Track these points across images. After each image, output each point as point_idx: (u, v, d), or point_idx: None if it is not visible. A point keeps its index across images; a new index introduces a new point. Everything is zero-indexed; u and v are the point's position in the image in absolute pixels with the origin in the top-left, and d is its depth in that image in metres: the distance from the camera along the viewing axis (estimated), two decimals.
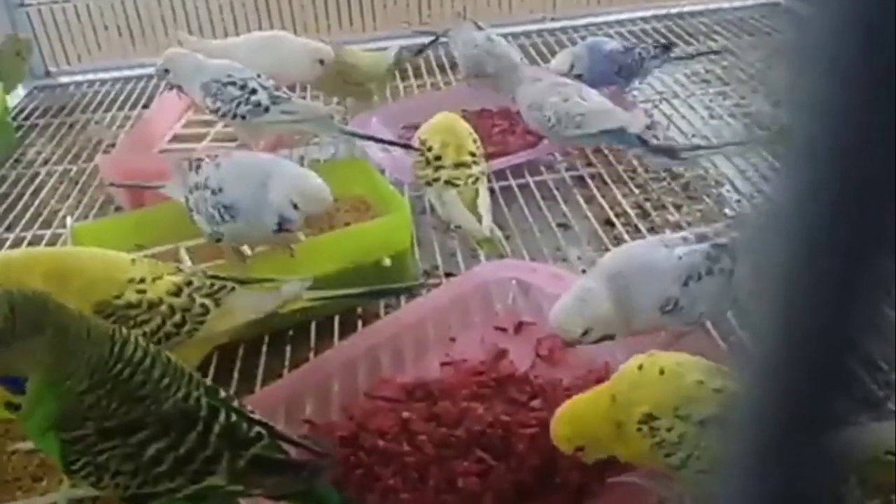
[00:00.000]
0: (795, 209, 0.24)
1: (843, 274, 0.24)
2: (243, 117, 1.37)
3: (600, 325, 0.89)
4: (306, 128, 1.42)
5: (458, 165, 1.25)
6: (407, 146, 1.36)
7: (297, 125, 1.40)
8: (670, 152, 1.18)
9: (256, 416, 0.78)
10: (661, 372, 0.75)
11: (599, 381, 0.93)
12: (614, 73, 1.63)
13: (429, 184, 1.26)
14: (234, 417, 0.75)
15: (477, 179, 1.24)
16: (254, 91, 1.37)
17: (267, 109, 1.36)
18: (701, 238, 0.95)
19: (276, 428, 0.78)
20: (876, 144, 0.22)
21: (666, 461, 0.74)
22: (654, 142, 1.28)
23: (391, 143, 1.43)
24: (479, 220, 1.20)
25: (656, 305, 0.90)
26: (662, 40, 2.08)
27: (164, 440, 0.72)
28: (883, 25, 0.21)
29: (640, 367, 0.77)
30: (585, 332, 0.88)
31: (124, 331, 0.76)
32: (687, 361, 0.77)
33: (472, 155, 1.27)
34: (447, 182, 1.24)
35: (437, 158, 1.25)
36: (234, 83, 1.38)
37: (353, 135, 1.43)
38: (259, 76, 1.40)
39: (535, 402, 0.92)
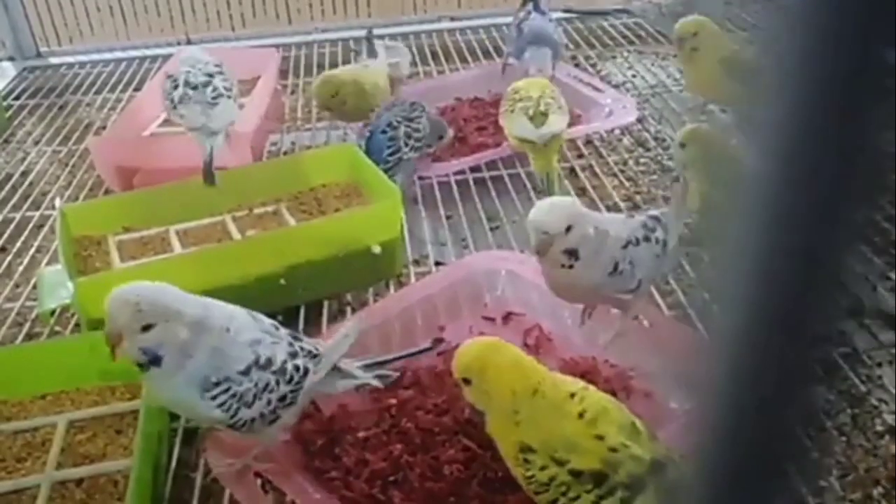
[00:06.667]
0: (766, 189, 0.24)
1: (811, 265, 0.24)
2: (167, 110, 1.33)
3: (580, 221, 0.88)
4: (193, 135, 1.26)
5: None
6: None
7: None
8: None
9: None
10: (581, 415, 0.71)
11: (585, 372, 0.94)
12: (550, 36, 1.63)
13: None
14: None
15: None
16: (176, 87, 1.27)
17: (175, 108, 1.27)
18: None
19: None
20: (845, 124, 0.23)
21: (537, 498, 0.72)
22: None
23: None
24: None
25: (617, 245, 0.91)
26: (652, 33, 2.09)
27: None
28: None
29: (572, 396, 0.73)
30: (568, 229, 0.87)
31: None
32: (614, 410, 0.73)
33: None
34: None
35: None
36: (171, 76, 1.31)
37: (208, 175, 1.23)
38: (212, 74, 1.29)
39: None
